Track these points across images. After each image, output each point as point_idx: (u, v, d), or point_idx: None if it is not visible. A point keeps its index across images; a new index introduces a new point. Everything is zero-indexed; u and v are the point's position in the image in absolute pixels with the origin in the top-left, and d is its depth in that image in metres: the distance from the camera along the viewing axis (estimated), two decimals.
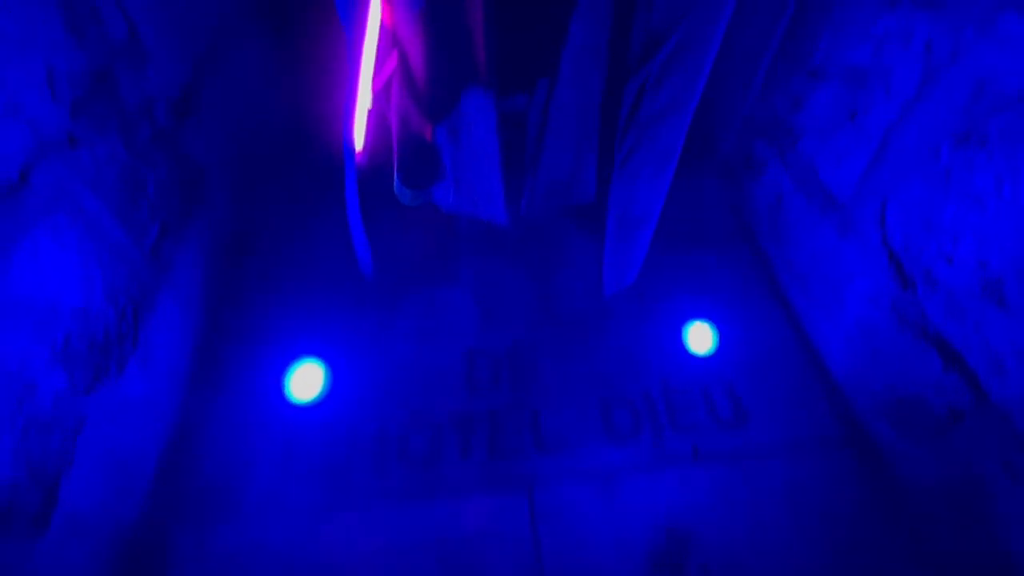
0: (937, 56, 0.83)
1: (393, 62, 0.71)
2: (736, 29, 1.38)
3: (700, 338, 1.21)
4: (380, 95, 0.73)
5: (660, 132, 0.71)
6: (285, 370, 1.15)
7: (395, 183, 0.73)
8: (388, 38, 0.70)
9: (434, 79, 0.65)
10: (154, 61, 1.07)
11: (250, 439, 1.05)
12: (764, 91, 1.34)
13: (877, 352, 1.00)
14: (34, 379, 0.73)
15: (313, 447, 1.04)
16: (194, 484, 0.98)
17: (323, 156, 1.43)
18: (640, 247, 1.05)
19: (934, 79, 0.84)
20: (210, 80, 1.29)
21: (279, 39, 1.64)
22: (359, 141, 0.72)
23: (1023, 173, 0.71)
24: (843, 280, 1.08)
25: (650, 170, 0.78)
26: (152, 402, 0.99)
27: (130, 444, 0.92)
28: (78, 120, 0.84)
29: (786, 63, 1.24)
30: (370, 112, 0.73)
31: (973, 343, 0.80)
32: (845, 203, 1.06)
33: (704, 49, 0.62)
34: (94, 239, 0.86)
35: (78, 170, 0.83)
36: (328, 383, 1.14)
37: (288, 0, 1.60)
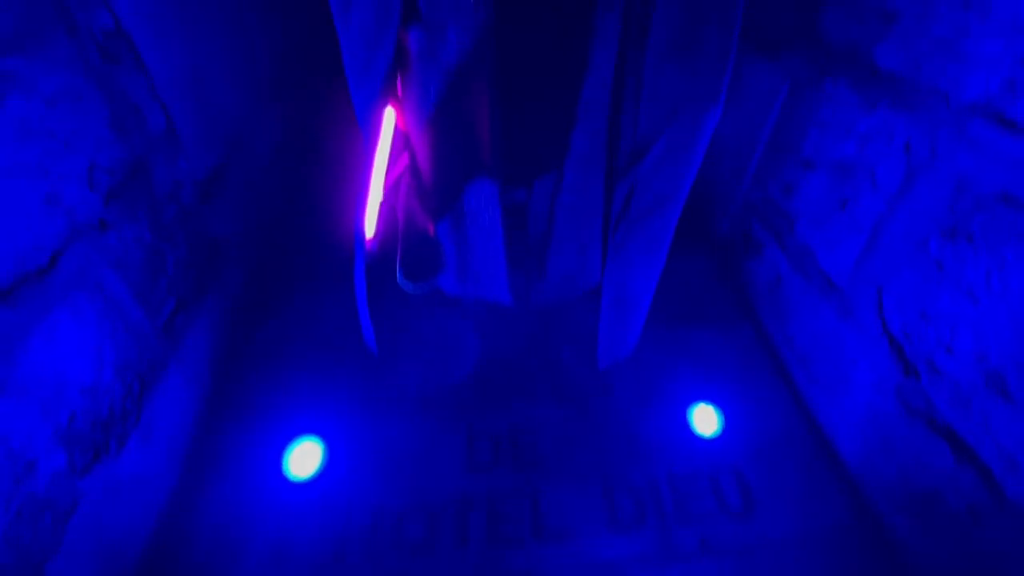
0: (917, 155, 0.88)
1: (404, 161, 0.77)
2: (728, 124, 1.47)
3: (705, 420, 1.19)
4: (391, 190, 0.78)
5: (650, 223, 0.75)
6: (285, 447, 1.14)
7: (398, 276, 0.76)
8: (401, 140, 0.76)
9: (440, 176, 0.70)
10: (186, 149, 1.16)
11: (244, 519, 1.02)
12: (757, 177, 1.40)
13: (887, 441, 0.98)
14: (35, 458, 0.73)
15: (309, 530, 1.01)
16: (184, 568, 0.94)
17: (333, 237, 1.50)
18: (635, 322, 1.07)
19: (917, 176, 0.88)
20: (234, 162, 1.39)
21: (297, 122, 1.77)
22: (370, 229, 0.76)
23: (1011, 269, 0.73)
24: (846, 363, 1.08)
25: (642, 258, 0.81)
26: (148, 480, 0.98)
27: (122, 525, 0.90)
28: (110, 207, 0.90)
29: (777, 153, 1.31)
30: (381, 204, 0.78)
31: (983, 437, 0.78)
32: (843, 287, 1.08)
33: (688, 154, 0.67)
34: (111, 318, 0.89)
35: (104, 252, 0.88)
36: (326, 460, 1.12)
37: (306, 86, 1.74)
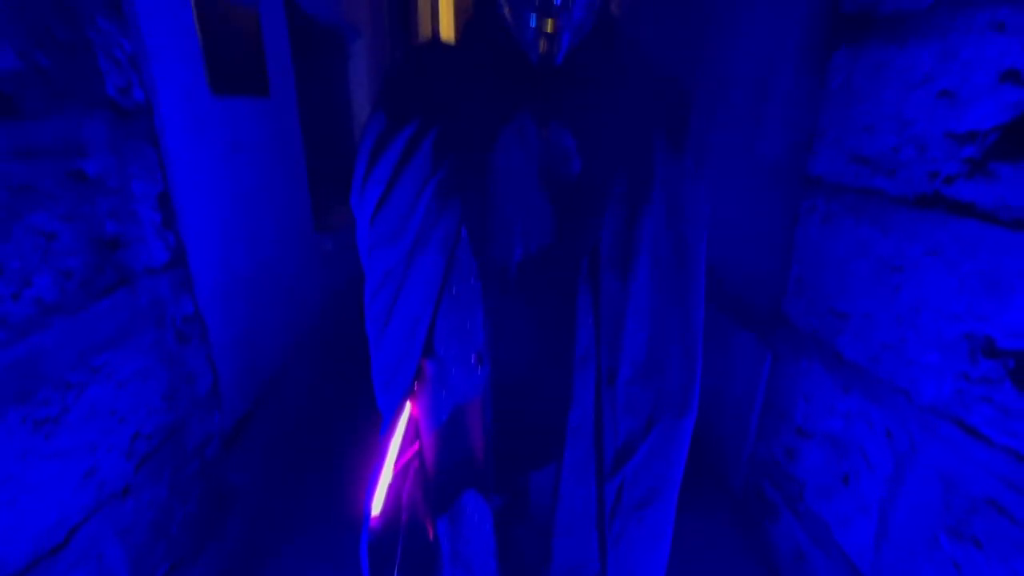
0: (899, 444, 0.93)
1: (415, 448, 0.84)
2: (725, 385, 1.57)
3: None
4: (400, 474, 0.84)
5: (646, 515, 0.77)
6: None
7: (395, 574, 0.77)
8: (413, 429, 0.85)
9: (441, 475, 0.76)
10: (224, 403, 1.27)
11: None
12: (761, 435, 1.43)
13: None
14: None
15: None
16: None
17: (337, 500, 1.50)
18: None
19: (905, 465, 0.91)
20: (263, 408, 1.49)
21: (328, 370, 1.94)
22: (376, 507, 0.79)
23: None
24: None
25: (643, 545, 0.80)
26: None
27: None
28: (140, 472, 0.96)
29: (773, 416, 1.37)
30: (390, 486, 0.83)
31: None
32: (867, 574, 1.01)
33: (672, 455, 0.73)
34: None
35: (117, 520, 0.91)
36: None
37: (341, 336, 1.95)
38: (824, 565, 1.15)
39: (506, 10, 0.58)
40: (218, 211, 1.30)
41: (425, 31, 5.79)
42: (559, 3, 0.54)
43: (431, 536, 0.80)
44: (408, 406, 0.83)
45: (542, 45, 0.56)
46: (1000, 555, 0.74)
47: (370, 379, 0.79)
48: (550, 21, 0.55)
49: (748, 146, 1.44)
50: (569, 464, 0.68)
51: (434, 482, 0.78)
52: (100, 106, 0.89)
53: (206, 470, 1.20)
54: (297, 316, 1.85)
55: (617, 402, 0.66)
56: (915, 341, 0.88)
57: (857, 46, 0.99)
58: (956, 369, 0.81)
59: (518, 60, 0.60)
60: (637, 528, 0.78)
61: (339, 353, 2.13)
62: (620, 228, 0.64)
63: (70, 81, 0.82)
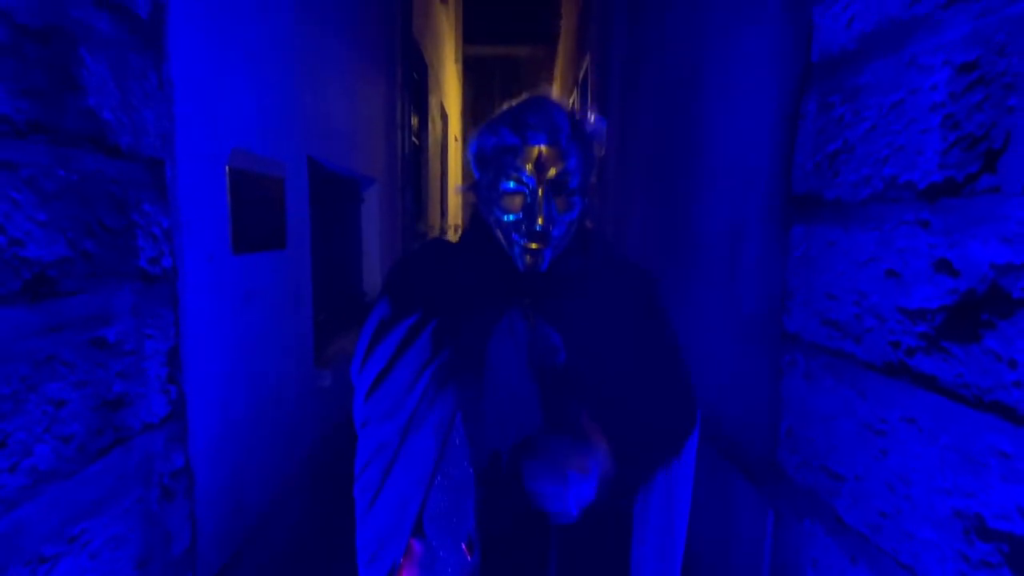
0: None
1: None
2: (731, 548, 1.49)
3: None
4: None
5: None
6: None
7: None
8: None
9: None
10: (201, 557, 1.20)
11: None
12: None
13: None
14: None
15: None
16: None
17: None
18: None
19: None
20: (245, 559, 1.40)
21: (316, 515, 1.85)
22: None
23: None
24: None
25: None
26: None
27: None
28: None
29: None
30: None
31: None
32: None
33: None
34: None
35: None
36: None
37: (334, 477, 1.89)
38: None
39: (497, 231, 0.69)
40: (224, 359, 1.35)
41: (435, 175, 6.39)
42: (540, 229, 0.65)
43: None
44: None
45: (527, 259, 0.67)
46: None
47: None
48: (533, 244, 0.65)
49: (729, 299, 1.53)
50: None
51: None
52: (131, 278, 0.98)
53: None
54: (290, 452, 1.81)
55: None
56: (910, 513, 0.87)
57: (809, 224, 1.11)
58: (954, 548, 0.78)
59: (509, 265, 0.70)
60: None
61: (331, 491, 2.05)
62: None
63: (109, 261, 0.92)
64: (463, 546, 0.65)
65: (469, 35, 11.88)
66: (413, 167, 4.69)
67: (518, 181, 0.68)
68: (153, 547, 1.04)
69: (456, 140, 9.57)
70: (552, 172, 0.68)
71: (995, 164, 0.71)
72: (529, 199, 0.68)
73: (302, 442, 1.92)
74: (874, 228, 0.92)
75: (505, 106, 0.75)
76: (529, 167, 0.68)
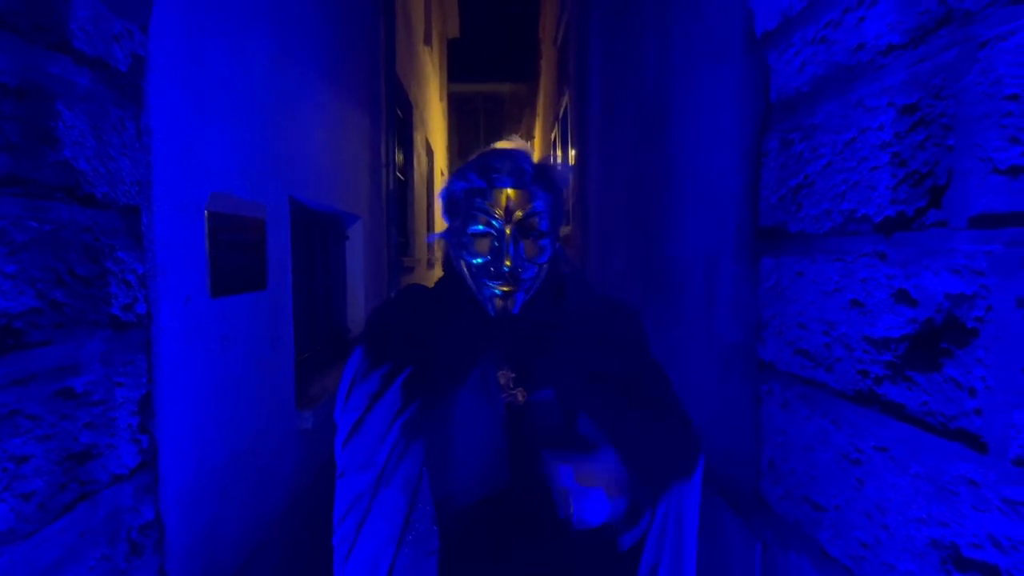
0: None
1: None
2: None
3: None
4: None
5: None
6: None
7: None
8: None
9: None
10: None
11: None
12: None
13: None
14: None
15: None
16: None
17: None
18: None
19: None
20: None
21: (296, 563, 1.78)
22: None
23: None
24: None
25: None
26: None
27: None
28: None
29: None
30: None
31: None
32: None
33: None
34: None
35: None
36: None
37: (316, 524, 1.83)
38: None
39: (468, 277, 0.70)
40: (200, 405, 1.33)
41: (420, 210, 6.46)
42: (508, 271, 0.66)
43: None
44: None
45: (498, 303, 0.68)
46: None
47: None
48: (504, 286, 0.67)
49: (709, 330, 1.55)
50: None
51: None
52: (102, 326, 0.97)
53: None
54: (269, 499, 1.76)
55: None
56: (889, 544, 0.86)
57: (778, 256, 1.14)
58: None
59: (481, 312, 0.71)
60: None
61: (311, 540, 1.98)
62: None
63: (79, 309, 0.91)
64: None
65: (454, 73, 12.26)
66: (399, 202, 4.74)
67: (486, 223, 0.71)
68: None
69: (442, 174, 9.74)
70: (519, 214, 0.71)
71: (940, 200, 0.74)
72: (497, 241, 0.70)
73: (282, 488, 1.87)
74: (837, 259, 0.95)
75: (474, 155, 0.78)
76: (498, 210, 0.70)
